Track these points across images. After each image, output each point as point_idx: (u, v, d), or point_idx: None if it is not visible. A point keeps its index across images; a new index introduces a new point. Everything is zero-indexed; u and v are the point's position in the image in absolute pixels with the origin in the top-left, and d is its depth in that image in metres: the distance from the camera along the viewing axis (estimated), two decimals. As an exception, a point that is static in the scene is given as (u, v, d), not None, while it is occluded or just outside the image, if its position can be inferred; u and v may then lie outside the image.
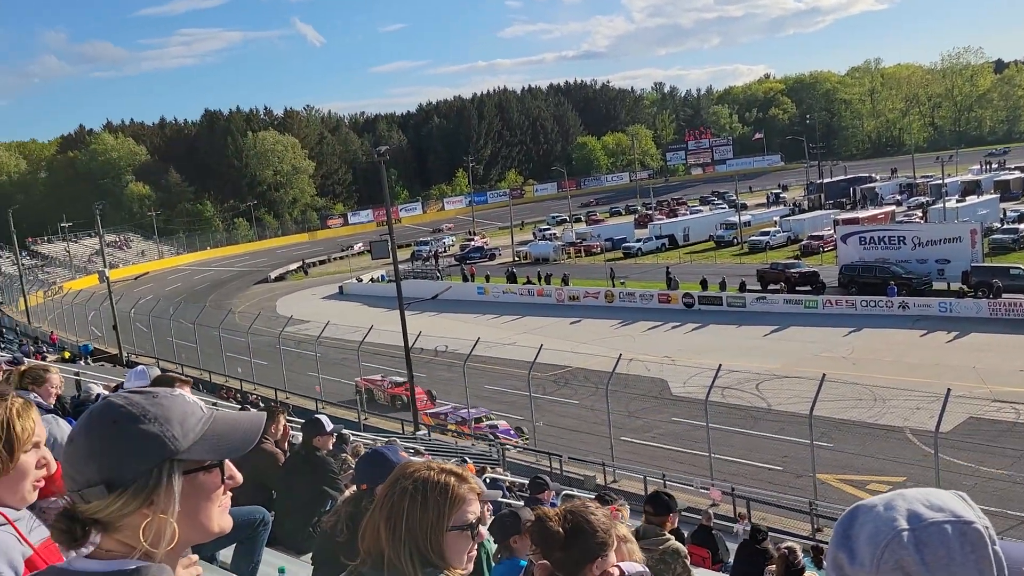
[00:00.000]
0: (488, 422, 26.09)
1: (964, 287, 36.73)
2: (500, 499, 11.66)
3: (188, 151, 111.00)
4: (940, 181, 67.91)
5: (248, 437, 1.38)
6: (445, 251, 75.66)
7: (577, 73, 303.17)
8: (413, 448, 18.43)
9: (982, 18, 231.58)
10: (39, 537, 1.82)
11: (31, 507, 1.93)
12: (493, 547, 4.20)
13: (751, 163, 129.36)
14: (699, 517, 12.43)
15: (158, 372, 6.17)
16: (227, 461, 1.37)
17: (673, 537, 5.98)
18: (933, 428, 17.45)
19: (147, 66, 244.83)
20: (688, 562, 5.87)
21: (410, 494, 1.95)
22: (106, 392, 7.28)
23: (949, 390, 17.74)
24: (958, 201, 60.01)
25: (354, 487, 4.11)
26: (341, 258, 78.75)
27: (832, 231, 50.90)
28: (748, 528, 14.27)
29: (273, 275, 73.14)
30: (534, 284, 50.51)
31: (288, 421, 7.96)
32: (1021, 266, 36.86)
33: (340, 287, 60.49)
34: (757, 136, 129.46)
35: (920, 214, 60.42)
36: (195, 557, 1.40)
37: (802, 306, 38.80)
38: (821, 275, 41.85)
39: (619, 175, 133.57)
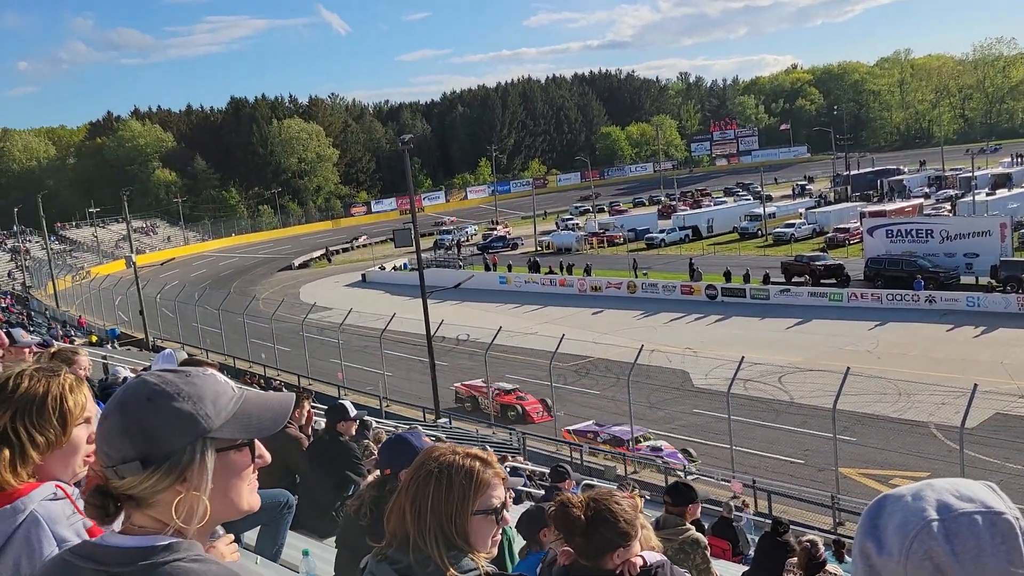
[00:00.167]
0: (648, 443, 22.20)
1: (993, 281, 36.22)
2: (521, 487, 11.71)
3: (214, 138, 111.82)
4: (970, 174, 66.86)
5: (278, 417, 1.40)
6: (467, 240, 75.75)
7: (602, 62, 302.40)
8: (435, 436, 18.52)
9: (1016, 8, 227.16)
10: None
11: None
12: (514, 533, 4.22)
13: (777, 154, 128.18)
14: (720, 509, 12.40)
15: (185, 356, 6.24)
16: (256, 441, 1.39)
17: (693, 528, 5.98)
18: (958, 423, 17.26)
19: (173, 53, 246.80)
20: (708, 553, 5.87)
21: (435, 478, 1.97)
22: (133, 375, 7.38)
23: (976, 385, 17.54)
24: (988, 194, 59.11)
25: (377, 472, 4.14)
26: (365, 246, 79.07)
27: (858, 224, 50.32)
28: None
29: (297, 262, 73.62)
30: (556, 274, 50.46)
31: (312, 407, 8.03)
32: (1052, 261, 36.30)
33: (363, 275, 60.77)
34: (784, 127, 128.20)
35: (949, 207, 59.58)
36: (231, 536, 1.42)
37: (827, 299, 38.46)
38: (846, 268, 41.43)
39: (643, 165, 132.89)
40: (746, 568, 9.37)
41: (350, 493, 5.92)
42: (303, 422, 6.84)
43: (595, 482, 16.61)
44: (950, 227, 40.83)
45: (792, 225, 58.60)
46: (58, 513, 1.74)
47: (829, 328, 34.28)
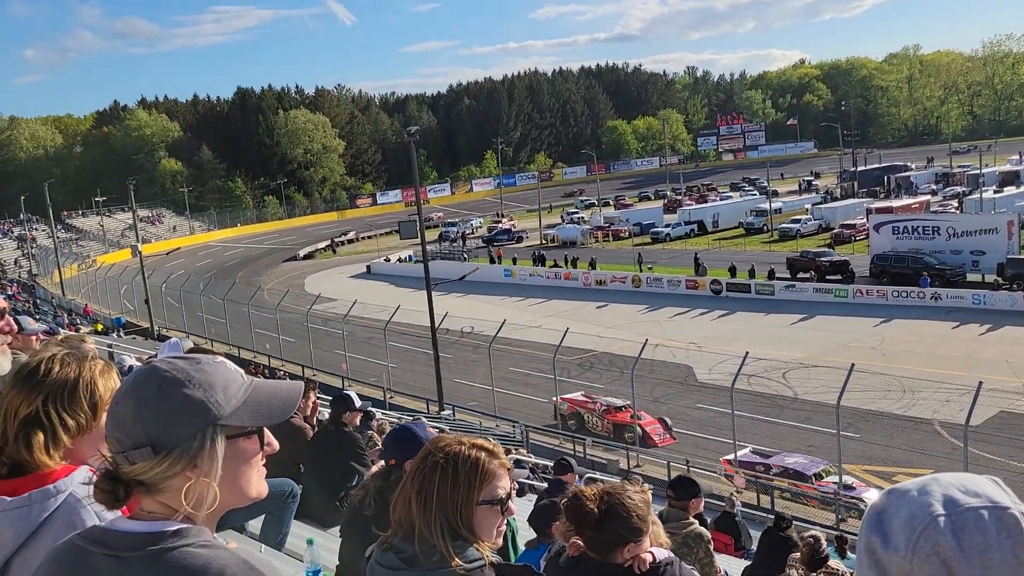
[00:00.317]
0: (831, 477, 19.02)
1: (999, 279, 36.10)
2: (524, 480, 11.74)
3: (220, 128, 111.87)
4: (977, 171, 66.60)
5: (287, 405, 1.41)
6: (472, 233, 75.74)
7: (609, 56, 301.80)
8: (438, 428, 18.56)
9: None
10: None
11: None
12: (517, 524, 4.24)
13: (783, 149, 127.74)
14: (722, 504, 12.42)
15: (191, 345, 6.27)
16: (265, 428, 1.40)
17: (696, 522, 5.98)
18: (963, 421, 17.24)
19: (179, 43, 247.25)
20: (711, 547, 5.87)
21: (441, 468, 1.97)
22: (139, 364, 7.41)
23: (981, 383, 17.50)
24: (995, 192, 58.85)
25: (381, 462, 4.15)
26: (370, 238, 79.12)
27: (865, 220, 50.19)
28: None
29: (302, 253, 73.70)
30: (561, 267, 50.42)
31: (317, 398, 8.06)
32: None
33: (368, 266, 60.83)
34: (791, 122, 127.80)
35: (956, 204, 59.36)
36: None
37: (832, 295, 38.39)
38: (852, 264, 41.32)
39: (649, 159, 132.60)
40: (748, 563, 9.39)
41: (354, 483, 5.95)
42: (308, 412, 6.87)
43: (598, 475, 16.65)
44: (957, 224, 40.69)
45: (798, 221, 58.46)
46: None
47: (834, 324, 34.23)
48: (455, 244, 67.25)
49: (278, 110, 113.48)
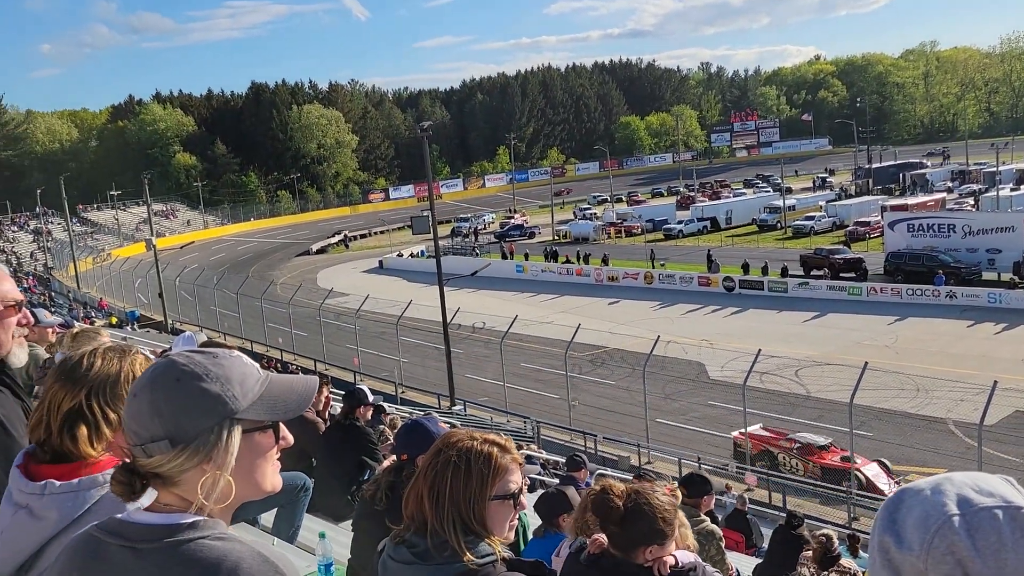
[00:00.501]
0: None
1: (1015, 278, 35.80)
2: (535, 476, 11.75)
3: (234, 123, 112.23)
4: (994, 168, 66.03)
5: (302, 400, 1.42)
6: (485, 228, 75.74)
7: (622, 51, 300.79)
8: (449, 423, 18.60)
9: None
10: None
11: None
12: (528, 520, 4.24)
13: (798, 146, 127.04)
14: (734, 501, 12.39)
15: (204, 338, 6.29)
16: (280, 423, 1.41)
17: (708, 519, 5.98)
18: (977, 420, 17.12)
19: (194, 38, 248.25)
20: (722, 544, 5.88)
21: (454, 464, 1.98)
22: (153, 357, 7.45)
23: (996, 382, 17.37)
24: (1012, 189, 58.33)
25: (393, 457, 4.17)
26: (382, 232, 79.23)
27: (879, 217, 49.87)
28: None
29: (315, 248, 73.91)
30: (573, 263, 50.38)
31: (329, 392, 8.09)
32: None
33: (380, 261, 60.95)
34: (806, 118, 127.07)
35: (972, 202, 58.87)
36: None
37: (846, 293, 38.18)
38: (866, 262, 41.09)
39: (662, 156, 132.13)
40: (759, 561, 9.37)
41: (366, 477, 5.97)
42: (320, 407, 6.90)
43: (608, 471, 16.65)
44: (973, 222, 40.35)
45: (812, 218, 58.16)
46: None
47: (847, 322, 34.05)
48: (467, 240, 67.28)
49: (292, 105, 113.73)
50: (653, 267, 46.36)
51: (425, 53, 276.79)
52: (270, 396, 1.38)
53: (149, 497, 1.35)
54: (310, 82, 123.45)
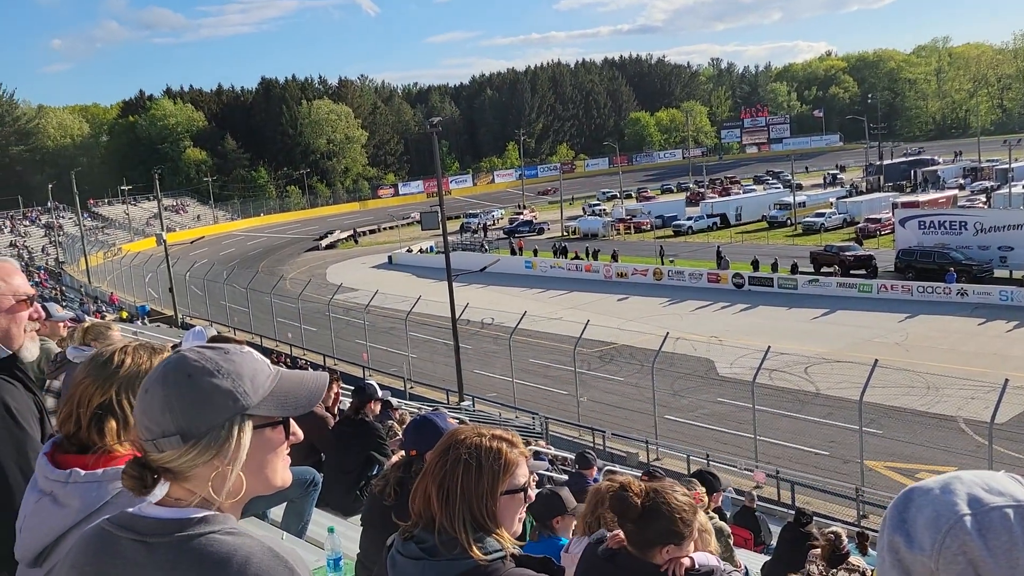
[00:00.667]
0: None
1: (1027, 276, 35.58)
2: (543, 472, 11.75)
3: (244, 118, 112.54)
4: (1006, 165, 65.61)
5: (313, 396, 1.42)
6: (494, 224, 75.75)
7: (632, 47, 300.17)
8: (458, 418, 18.61)
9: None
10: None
11: None
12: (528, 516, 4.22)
13: (808, 142, 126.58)
14: (742, 499, 12.38)
15: (215, 333, 6.31)
16: (291, 418, 1.41)
17: (716, 516, 5.98)
18: (988, 419, 17.03)
19: (205, 33, 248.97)
20: (731, 541, 5.87)
21: (464, 462, 1.98)
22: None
23: (1007, 380, 17.28)
24: (1025, 186, 57.97)
25: (402, 452, 4.17)
26: (391, 228, 79.32)
27: (890, 214, 49.62)
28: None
29: (324, 243, 74.06)
30: (582, 259, 50.34)
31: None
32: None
33: (389, 257, 61.05)
34: (817, 114, 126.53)
35: (984, 199, 58.50)
36: None
37: (856, 290, 38.01)
38: (877, 259, 40.89)
39: (672, 152, 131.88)
40: (768, 558, 9.36)
41: (375, 472, 5.99)
42: (330, 402, 6.92)
43: (617, 468, 16.63)
44: (984, 219, 40.08)
45: (822, 215, 57.94)
46: None
47: (857, 319, 33.91)
48: (476, 235, 67.30)
49: (301, 100, 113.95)
50: (662, 263, 46.28)
51: (435, 49, 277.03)
52: (281, 392, 1.38)
53: (162, 490, 1.36)
54: (320, 77, 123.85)
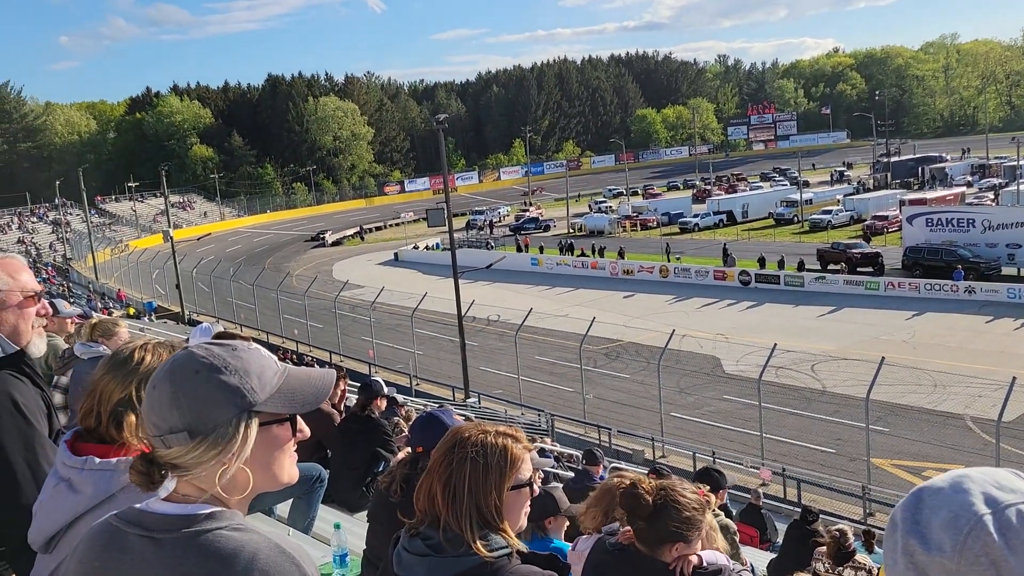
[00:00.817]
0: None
1: (1035, 273, 35.44)
2: (549, 469, 11.75)
3: (251, 115, 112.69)
4: (1015, 162, 65.28)
5: (320, 393, 1.42)
6: (500, 221, 75.73)
7: (638, 44, 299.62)
8: (464, 415, 18.61)
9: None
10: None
11: None
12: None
13: (815, 139, 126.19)
14: (748, 496, 12.35)
15: (222, 330, 6.33)
16: (298, 415, 1.41)
17: (722, 514, 5.97)
18: (995, 416, 16.96)
19: (211, 30, 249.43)
20: (736, 539, 5.86)
21: (470, 459, 1.98)
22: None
23: (1015, 378, 17.20)
24: (1033, 184, 57.67)
25: (408, 449, 4.18)
26: (397, 225, 79.42)
27: (898, 211, 49.44)
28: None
29: (330, 240, 74.15)
30: (588, 257, 50.29)
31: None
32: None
33: (395, 254, 61.08)
34: (824, 111, 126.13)
35: (992, 196, 58.24)
36: None
37: (863, 287, 37.90)
38: (884, 257, 40.75)
39: (678, 149, 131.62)
40: (774, 556, 9.34)
41: (381, 469, 5.99)
42: (336, 399, 6.92)
43: (623, 464, 16.63)
44: (992, 217, 39.90)
45: (829, 212, 57.74)
46: None
47: (864, 317, 33.81)
48: (482, 232, 67.29)
49: (308, 97, 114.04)
50: (668, 261, 46.20)
51: (441, 45, 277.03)
52: (288, 389, 1.38)
53: (170, 486, 1.36)
54: (326, 74, 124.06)
